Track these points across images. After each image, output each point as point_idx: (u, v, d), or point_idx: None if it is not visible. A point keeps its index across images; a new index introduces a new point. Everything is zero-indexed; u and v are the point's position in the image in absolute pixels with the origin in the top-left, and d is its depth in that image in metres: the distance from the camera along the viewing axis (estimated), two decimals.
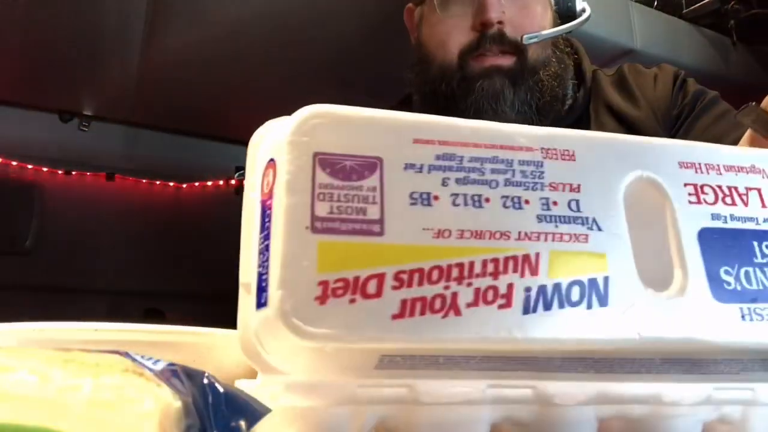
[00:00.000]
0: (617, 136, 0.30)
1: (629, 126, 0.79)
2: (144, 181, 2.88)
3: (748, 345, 0.27)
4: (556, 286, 0.25)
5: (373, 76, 1.81)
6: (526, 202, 0.26)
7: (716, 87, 0.84)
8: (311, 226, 0.24)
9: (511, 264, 0.25)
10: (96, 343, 0.35)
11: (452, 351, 0.25)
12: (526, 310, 0.25)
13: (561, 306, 0.25)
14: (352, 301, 0.23)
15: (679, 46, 1.94)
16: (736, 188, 0.30)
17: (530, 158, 0.27)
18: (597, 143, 0.29)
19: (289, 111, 0.26)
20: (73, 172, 2.75)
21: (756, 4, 1.99)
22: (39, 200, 2.65)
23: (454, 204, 0.25)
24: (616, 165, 0.28)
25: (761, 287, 0.28)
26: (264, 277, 0.24)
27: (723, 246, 0.28)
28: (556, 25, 0.79)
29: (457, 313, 0.24)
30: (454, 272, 0.24)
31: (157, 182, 2.91)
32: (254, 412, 0.22)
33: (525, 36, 0.74)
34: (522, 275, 0.25)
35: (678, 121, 0.80)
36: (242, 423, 0.21)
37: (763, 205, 0.30)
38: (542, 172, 0.27)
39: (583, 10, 0.81)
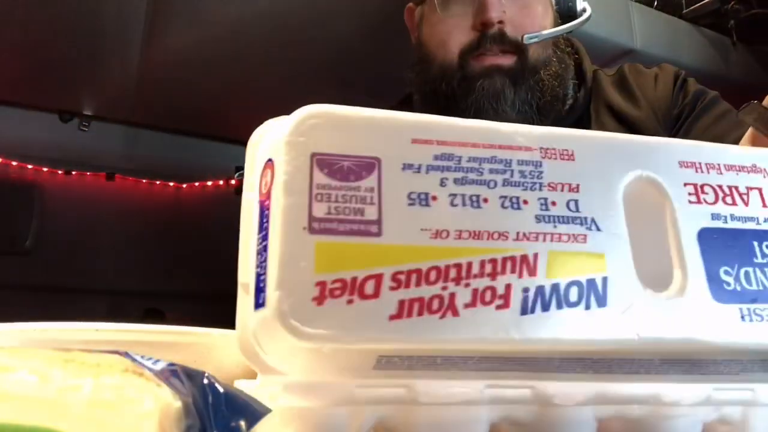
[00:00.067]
0: (617, 136, 0.30)
1: (630, 126, 0.79)
2: (144, 181, 2.88)
3: (748, 345, 0.27)
4: (555, 287, 0.25)
5: (373, 76, 1.81)
6: (525, 202, 0.26)
7: (716, 87, 0.84)
8: (308, 226, 0.24)
9: (509, 264, 0.25)
10: (96, 343, 0.35)
11: (450, 351, 0.24)
12: (524, 311, 0.25)
13: (559, 306, 0.25)
14: (350, 301, 0.23)
15: (679, 46, 1.94)
16: (736, 188, 0.30)
17: (529, 158, 0.27)
18: (596, 143, 0.29)
19: (289, 111, 0.26)
20: (73, 172, 2.75)
21: (756, 4, 1.99)
22: (39, 200, 2.65)
23: (452, 204, 0.25)
24: (616, 165, 0.28)
25: (761, 287, 0.28)
26: (262, 277, 0.24)
27: (723, 246, 0.28)
28: (556, 24, 0.79)
29: (455, 313, 0.24)
30: (452, 273, 0.24)
31: (157, 182, 2.91)
32: (254, 412, 0.22)
33: (526, 36, 0.74)
34: (520, 276, 0.25)
35: (678, 121, 0.80)
36: (242, 423, 0.21)
37: (764, 205, 0.30)
38: (541, 172, 0.27)
39: (584, 10, 0.81)
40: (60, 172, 2.72)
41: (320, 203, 0.24)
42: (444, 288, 0.24)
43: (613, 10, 1.78)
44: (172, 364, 0.22)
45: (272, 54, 1.92)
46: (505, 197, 0.26)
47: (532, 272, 0.25)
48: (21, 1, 1.67)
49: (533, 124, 0.70)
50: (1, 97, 2.25)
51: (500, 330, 0.24)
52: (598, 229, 0.27)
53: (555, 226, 0.26)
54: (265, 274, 0.24)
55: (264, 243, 0.25)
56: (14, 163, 2.62)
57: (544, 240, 0.26)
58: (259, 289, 0.25)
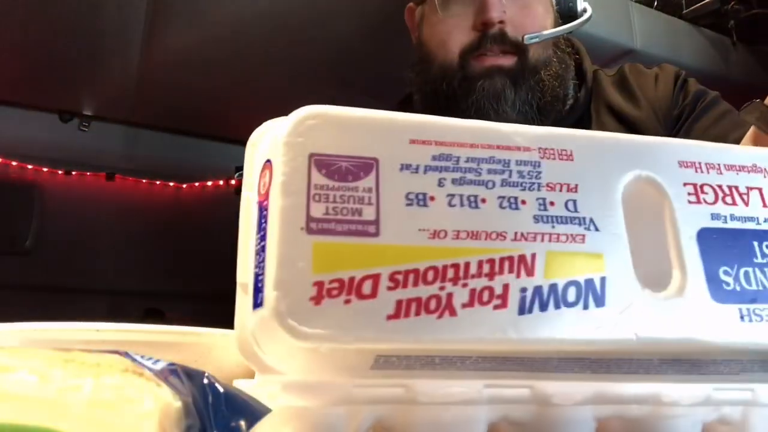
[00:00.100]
0: (616, 136, 0.30)
1: (630, 126, 0.79)
2: (144, 181, 2.88)
3: (748, 346, 0.27)
4: (553, 287, 0.25)
5: (373, 76, 1.82)
6: (523, 202, 0.26)
7: (716, 87, 0.84)
8: (306, 227, 0.24)
9: (506, 264, 0.25)
10: (96, 343, 0.35)
11: (448, 351, 0.24)
12: (522, 311, 0.25)
13: (557, 306, 0.25)
14: (347, 301, 0.23)
15: (679, 46, 1.94)
16: (736, 188, 0.30)
17: (527, 158, 0.27)
18: (595, 143, 0.29)
19: (289, 111, 0.26)
20: (73, 172, 2.75)
21: (756, 4, 1.99)
22: (39, 200, 2.65)
23: (450, 204, 0.25)
24: (615, 164, 0.28)
25: (761, 288, 0.28)
26: (260, 277, 0.25)
27: (722, 246, 0.28)
28: (557, 25, 0.79)
29: (453, 313, 0.24)
30: (450, 273, 0.24)
31: (157, 182, 2.91)
32: (254, 412, 0.22)
33: (526, 36, 0.74)
34: (518, 276, 0.25)
35: (679, 121, 0.80)
36: (242, 423, 0.21)
37: (764, 205, 0.30)
38: (539, 172, 0.27)
39: (585, 10, 0.81)
40: (60, 172, 2.72)
41: (318, 203, 0.24)
42: (442, 288, 0.24)
43: (613, 10, 1.78)
44: (172, 364, 0.22)
45: (272, 54, 1.92)
46: (504, 197, 0.26)
47: (530, 272, 0.25)
48: (21, 1, 1.67)
49: (533, 124, 0.70)
50: (1, 97, 2.25)
51: (498, 330, 0.24)
52: (597, 229, 0.27)
53: (553, 227, 0.26)
54: (263, 274, 0.24)
55: (262, 243, 0.25)
56: (14, 163, 2.62)
57: (542, 240, 0.26)
58: (258, 289, 0.25)
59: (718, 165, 0.30)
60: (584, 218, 0.27)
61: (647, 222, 0.28)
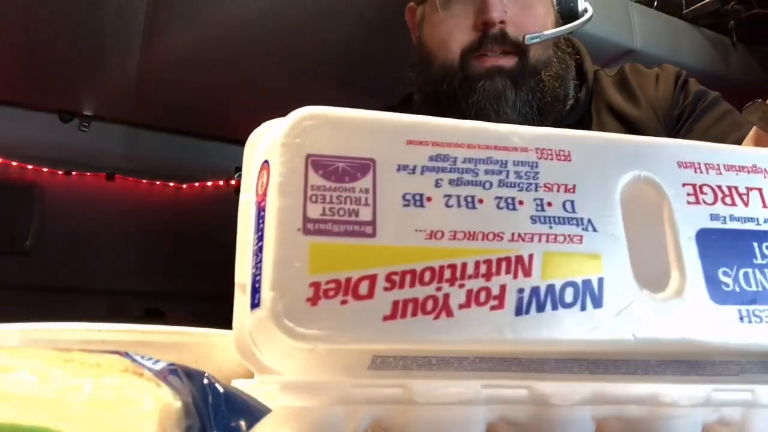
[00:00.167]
0: (615, 136, 0.30)
1: (630, 126, 0.79)
2: (144, 181, 2.88)
3: (747, 347, 0.27)
4: (550, 288, 0.25)
5: (373, 76, 1.82)
6: (520, 203, 0.26)
7: (716, 87, 0.84)
8: (303, 227, 0.24)
9: (504, 265, 0.25)
10: (96, 343, 0.35)
11: (445, 352, 0.24)
12: (519, 312, 0.25)
13: (554, 307, 0.25)
14: (344, 302, 0.23)
15: (679, 47, 1.94)
16: (736, 188, 0.30)
17: (525, 159, 0.27)
18: (593, 143, 0.29)
19: (289, 111, 0.26)
20: (73, 173, 2.75)
21: (756, 4, 1.99)
22: (39, 200, 2.65)
23: (447, 205, 0.25)
24: (613, 165, 0.28)
25: (761, 288, 0.28)
26: (258, 278, 0.25)
27: (722, 247, 0.28)
28: (558, 25, 0.79)
29: (449, 314, 0.24)
30: (447, 273, 0.24)
31: (157, 182, 2.91)
32: (254, 412, 0.22)
33: (527, 36, 0.74)
34: (515, 276, 0.25)
35: (679, 121, 0.80)
36: (242, 423, 0.21)
37: (764, 206, 0.30)
38: (537, 173, 0.27)
39: (585, 11, 0.81)
40: (60, 172, 2.72)
41: (315, 204, 0.24)
42: (438, 289, 0.24)
43: (613, 10, 1.78)
44: (172, 364, 0.22)
45: (272, 54, 1.92)
46: (501, 198, 0.26)
47: (527, 273, 0.25)
48: (21, 1, 1.67)
49: (534, 124, 0.70)
50: (1, 97, 2.25)
51: (494, 331, 0.24)
52: (595, 230, 0.27)
53: (551, 227, 0.26)
54: (260, 274, 0.24)
55: (260, 244, 0.25)
56: (14, 163, 2.62)
57: (540, 241, 0.26)
58: (255, 290, 0.25)
59: (718, 165, 0.30)
60: (582, 219, 0.27)
61: (646, 222, 0.28)
